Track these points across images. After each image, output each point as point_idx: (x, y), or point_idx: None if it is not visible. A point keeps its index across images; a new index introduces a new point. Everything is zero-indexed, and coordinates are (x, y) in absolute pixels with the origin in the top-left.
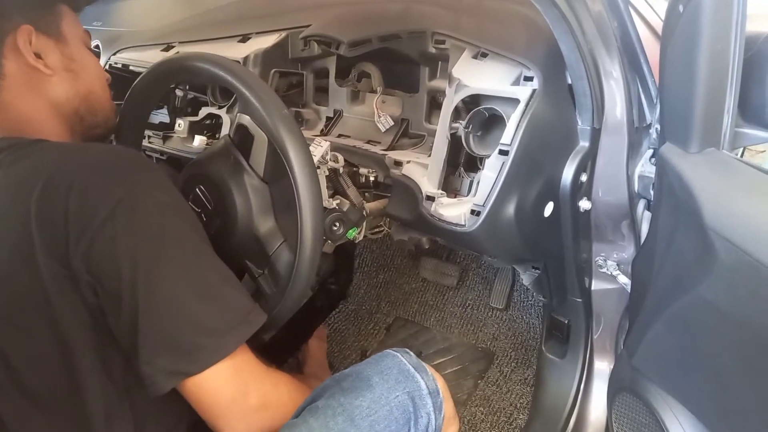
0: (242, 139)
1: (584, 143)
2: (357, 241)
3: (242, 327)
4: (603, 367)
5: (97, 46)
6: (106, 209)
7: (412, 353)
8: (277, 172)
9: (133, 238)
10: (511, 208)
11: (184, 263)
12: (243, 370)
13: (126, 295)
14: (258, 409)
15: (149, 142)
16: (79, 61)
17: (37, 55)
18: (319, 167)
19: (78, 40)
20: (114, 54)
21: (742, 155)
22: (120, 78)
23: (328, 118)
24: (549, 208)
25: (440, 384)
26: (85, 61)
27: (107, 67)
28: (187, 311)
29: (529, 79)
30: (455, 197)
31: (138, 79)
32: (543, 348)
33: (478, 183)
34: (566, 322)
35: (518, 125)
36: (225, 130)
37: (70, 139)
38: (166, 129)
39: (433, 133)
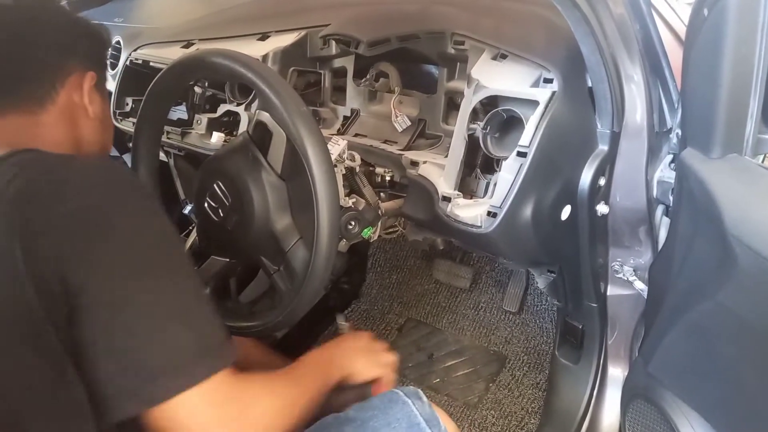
0: (261, 136)
1: (603, 147)
2: (372, 241)
3: (218, 354)
4: (617, 373)
5: (118, 42)
6: (82, 218)
7: (424, 398)
8: (295, 169)
9: (108, 250)
10: (528, 211)
11: (163, 280)
12: (217, 397)
13: (95, 309)
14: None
15: (168, 138)
16: (106, 118)
17: (89, 100)
18: (336, 166)
19: (107, 102)
20: (134, 50)
21: (763, 162)
22: (140, 74)
23: (345, 118)
24: (566, 212)
25: None
26: (107, 119)
27: (128, 62)
28: (161, 331)
29: (548, 81)
30: (471, 199)
31: (159, 74)
32: (556, 353)
33: (495, 185)
34: (581, 327)
35: (537, 127)
36: (243, 127)
37: None
38: (185, 125)
39: (450, 134)
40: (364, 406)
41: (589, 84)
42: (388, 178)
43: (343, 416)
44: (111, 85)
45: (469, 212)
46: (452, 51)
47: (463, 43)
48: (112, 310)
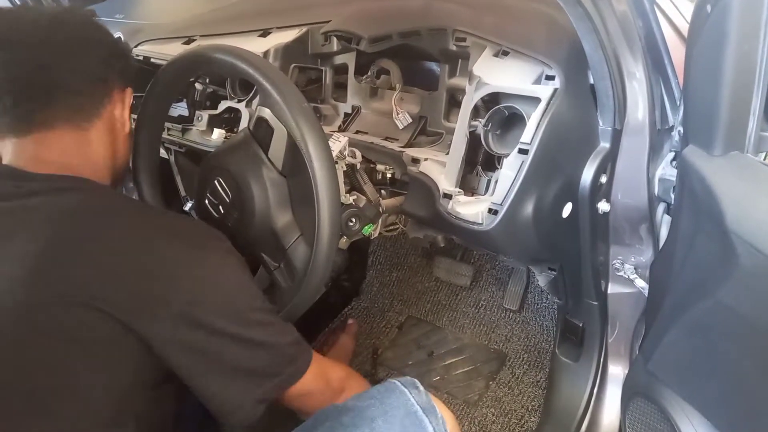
0: (261, 132)
1: (605, 144)
2: (372, 238)
3: (303, 344)
4: (617, 371)
5: (118, 38)
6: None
7: (421, 388)
8: (296, 165)
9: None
10: (529, 208)
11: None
12: (316, 370)
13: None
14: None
15: (168, 134)
16: (130, 136)
17: (126, 116)
18: (336, 162)
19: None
20: (135, 46)
21: (765, 159)
22: (141, 70)
23: (346, 114)
24: (567, 209)
25: (450, 426)
26: (130, 137)
27: None
28: (265, 349)
29: (550, 78)
30: (472, 196)
31: (160, 70)
32: (556, 351)
33: (496, 182)
34: (581, 325)
35: (539, 124)
36: (244, 124)
37: (108, 182)
38: (185, 122)
39: (451, 131)
40: (361, 395)
41: (591, 81)
42: (389, 175)
43: (341, 406)
44: None
45: (470, 209)
46: (454, 48)
47: (464, 40)
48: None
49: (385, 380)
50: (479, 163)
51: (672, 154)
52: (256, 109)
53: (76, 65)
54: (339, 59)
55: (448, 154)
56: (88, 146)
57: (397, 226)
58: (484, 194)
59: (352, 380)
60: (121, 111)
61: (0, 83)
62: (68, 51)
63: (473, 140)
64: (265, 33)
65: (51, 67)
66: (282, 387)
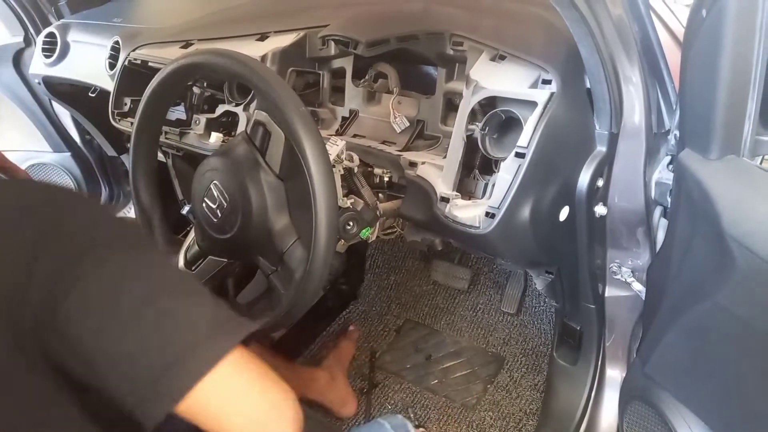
0: (259, 135)
1: (601, 148)
2: (370, 242)
3: (234, 326)
4: (615, 374)
5: (116, 42)
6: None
7: (411, 429)
8: (293, 169)
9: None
10: (526, 211)
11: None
12: (241, 362)
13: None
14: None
15: (166, 138)
16: None
17: None
18: (334, 166)
19: None
20: (133, 50)
21: (761, 163)
22: (138, 74)
23: (344, 118)
24: (564, 213)
25: None
26: None
27: (126, 63)
28: (166, 315)
29: (547, 82)
30: (470, 199)
31: (158, 74)
32: (554, 354)
33: (494, 185)
34: (578, 328)
35: (535, 128)
36: (241, 127)
37: None
38: (183, 125)
39: (448, 135)
40: None
41: (588, 85)
42: (386, 179)
43: None
44: (110, 85)
45: (468, 213)
46: (451, 52)
47: (461, 44)
48: (101, 313)
49: (375, 419)
50: (476, 166)
51: (668, 158)
52: (254, 112)
53: None
54: (336, 63)
55: (445, 157)
56: None
57: (395, 230)
58: (482, 198)
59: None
60: None
61: None
62: None
63: (470, 144)
64: (262, 37)
65: None
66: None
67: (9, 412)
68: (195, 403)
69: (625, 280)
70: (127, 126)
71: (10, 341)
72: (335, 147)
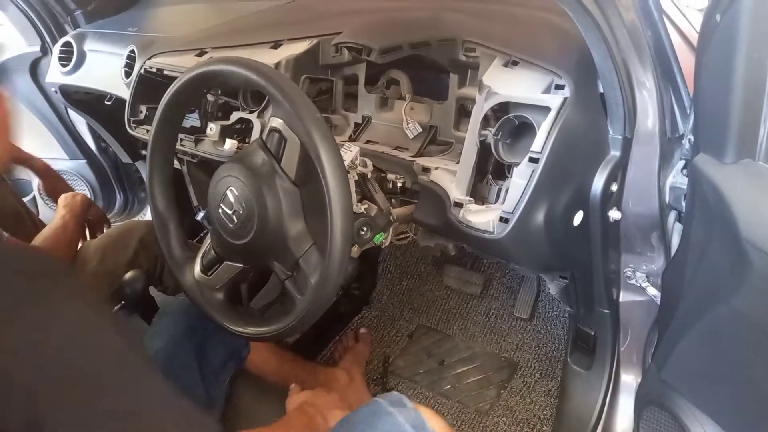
0: (274, 142)
1: (615, 152)
2: (383, 247)
3: None
4: (630, 380)
5: (132, 51)
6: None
7: (408, 404)
8: (308, 175)
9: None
10: (540, 216)
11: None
12: None
13: None
14: None
15: (181, 145)
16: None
17: None
18: (348, 172)
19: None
20: (149, 59)
21: None
22: (154, 82)
23: (357, 125)
24: (578, 217)
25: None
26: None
27: (142, 71)
28: None
29: (560, 87)
30: (483, 205)
31: (175, 82)
32: (568, 359)
33: (507, 190)
34: (593, 333)
35: (549, 133)
36: (255, 134)
37: None
38: (198, 133)
39: (461, 141)
40: (349, 419)
41: (601, 90)
42: (399, 185)
43: None
44: (125, 93)
45: (482, 218)
46: (463, 58)
47: (474, 50)
48: None
49: (371, 401)
50: (489, 172)
51: (682, 163)
52: (269, 119)
53: None
54: (349, 70)
55: (458, 163)
56: None
57: (408, 235)
58: (495, 203)
59: None
60: None
61: None
62: None
63: (483, 149)
64: (276, 45)
65: None
66: None
67: None
68: None
69: (639, 284)
70: (143, 133)
71: None
72: (349, 153)
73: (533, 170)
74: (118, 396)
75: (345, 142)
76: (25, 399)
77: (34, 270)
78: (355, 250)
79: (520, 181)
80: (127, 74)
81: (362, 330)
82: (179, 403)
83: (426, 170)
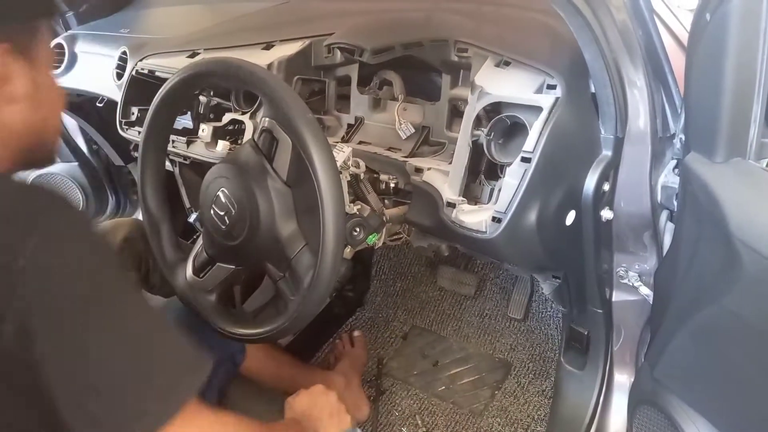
0: (266, 143)
1: (607, 152)
2: (376, 248)
3: (187, 379)
4: (623, 379)
5: (124, 53)
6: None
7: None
8: (301, 175)
9: (48, 309)
10: (532, 216)
11: (111, 319)
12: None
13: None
14: None
15: (173, 147)
16: (46, 88)
17: (4, 79)
18: (340, 172)
19: (48, 63)
20: (140, 60)
21: (767, 166)
22: (146, 84)
23: (349, 125)
24: (570, 217)
25: None
26: (50, 88)
27: (134, 72)
28: (123, 378)
29: (552, 87)
30: (476, 205)
31: (166, 83)
32: (562, 359)
33: (500, 190)
34: (586, 333)
35: (541, 133)
36: (248, 135)
37: (9, 167)
38: (190, 134)
39: (453, 141)
40: None
41: (593, 90)
42: (392, 185)
43: None
44: (117, 95)
45: (474, 218)
46: (456, 58)
47: (466, 51)
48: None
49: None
50: (482, 172)
51: (674, 162)
52: (261, 120)
53: None
54: (342, 71)
55: (450, 163)
56: None
57: (401, 236)
58: (488, 203)
59: None
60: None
61: None
62: None
63: (476, 149)
64: (268, 46)
65: None
66: None
67: None
68: None
69: (632, 284)
70: (135, 135)
71: None
72: (342, 153)
73: (525, 170)
74: (111, 319)
75: (337, 142)
76: (21, 311)
77: (53, 200)
78: (348, 251)
79: (513, 180)
80: (119, 76)
81: (356, 333)
82: (174, 336)
83: (419, 171)
